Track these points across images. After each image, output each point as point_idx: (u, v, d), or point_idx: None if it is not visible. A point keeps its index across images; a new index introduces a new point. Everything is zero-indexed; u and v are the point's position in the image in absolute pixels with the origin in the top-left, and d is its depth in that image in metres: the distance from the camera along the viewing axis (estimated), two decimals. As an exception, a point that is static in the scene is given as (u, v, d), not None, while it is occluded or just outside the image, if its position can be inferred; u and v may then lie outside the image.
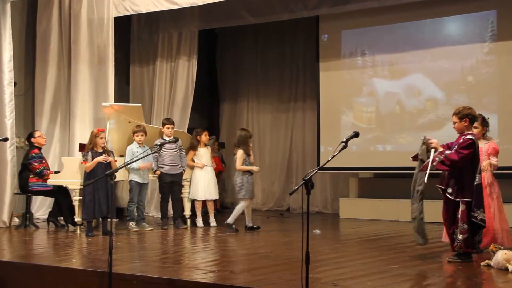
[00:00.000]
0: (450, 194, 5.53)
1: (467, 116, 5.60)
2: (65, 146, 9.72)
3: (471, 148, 5.48)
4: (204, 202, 8.75)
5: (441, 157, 5.49)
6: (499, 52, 8.90)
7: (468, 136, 5.53)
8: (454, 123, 5.68)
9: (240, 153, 8.12)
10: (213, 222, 8.63)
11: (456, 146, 5.55)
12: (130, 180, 8.20)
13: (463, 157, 5.44)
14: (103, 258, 5.52)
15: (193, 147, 8.62)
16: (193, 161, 8.63)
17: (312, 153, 11.14)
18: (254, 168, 8.14)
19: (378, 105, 9.94)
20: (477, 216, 5.40)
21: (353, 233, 8.34)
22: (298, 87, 11.82)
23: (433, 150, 5.59)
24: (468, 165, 5.50)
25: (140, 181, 8.19)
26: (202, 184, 8.57)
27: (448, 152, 5.51)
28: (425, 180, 5.53)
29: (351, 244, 7.27)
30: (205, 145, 8.75)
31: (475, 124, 5.95)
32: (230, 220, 7.99)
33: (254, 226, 8.20)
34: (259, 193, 11.97)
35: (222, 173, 10.99)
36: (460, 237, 5.48)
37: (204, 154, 8.69)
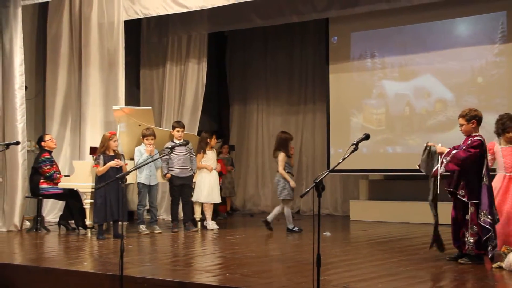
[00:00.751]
0: (462, 196, 5.52)
1: (474, 118, 5.61)
2: (75, 149, 9.76)
3: (479, 148, 5.47)
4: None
5: (448, 158, 5.51)
6: (509, 53, 8.86)
7: (476, 137, 5.53)
8: (461, 125, 5.68)
9: (281, 156, 8.21)
10: (210, 225, 8.61)
11: (464, 146, 5.55)
12: (138, 183, 8.23)
13: (470, 155, 5.44)
14: (114, 261, 5.55)
15: (202, 150, 8.65)
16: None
17: (322, 155, 11.12)
18: (292, 183, 8.20)
19: (387, 107, 9.92)
20: (481, 217, 5.38)
21: (363, 235, 8.32)
22: (308, 89, 11.82)
23: (438, 154, 5.63)
24: (475, 166, 5.49)
25: (146, 183, 8.21)
26: (207, 187, 8.60)
27: (455, 151, 5.53)
28: (437, 190, 5.61)
29: (362, 246, 7.25)
30: (211, 148, 8.82)
31: None
32: (289, 225, 8.24)
33: (296, 228, 8.25)
34: (270, 195, 11.98)
35: (223, 175, 10.97)
36: (471, 239, 5.47)
37: (212, 157, 8.75)
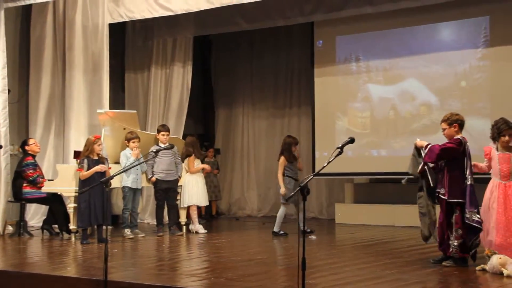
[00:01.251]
0: (443, 195, 5.57)
1: (456, 122, 5.67)
2: (59, 153, 9.68)
3: (457, 146, 5.52)
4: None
5: (426, 150, 5.61)
6: (492, 58, 8.95)
7: (456, 137, 5.60)
8: (444, 129, 5.73)
9: (281, 160, 8.24)
10: (200, 229, 8.61)
11: None
12: (123, 187, 8.18)
13: (444, 148, 5.53)
14: (98, 266, 5.50)
15: (195, 155, 8.69)
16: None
17: (307, 159, 11.12)
18: (281, 190, 8.13)
19: (372, 111, 9.96)
20: (469, 217, 5.41)
21: (349, 238, 8.34)
22: (293, 93, 11.84)
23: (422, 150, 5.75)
24: (457, 166, 5.54)
25: (133, 187, 8.16)
26: (196, 190, 8.60)
27: (431, 145, 5.63)
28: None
29: (347, 249, 7.27)
30: None
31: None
32: (275, 228, 8.21)
33: (281, 232, 8.24)
34: (255, 199, 11.97)
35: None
36: (455, 242, 5.51)
37: (197, 161, 8.77)
